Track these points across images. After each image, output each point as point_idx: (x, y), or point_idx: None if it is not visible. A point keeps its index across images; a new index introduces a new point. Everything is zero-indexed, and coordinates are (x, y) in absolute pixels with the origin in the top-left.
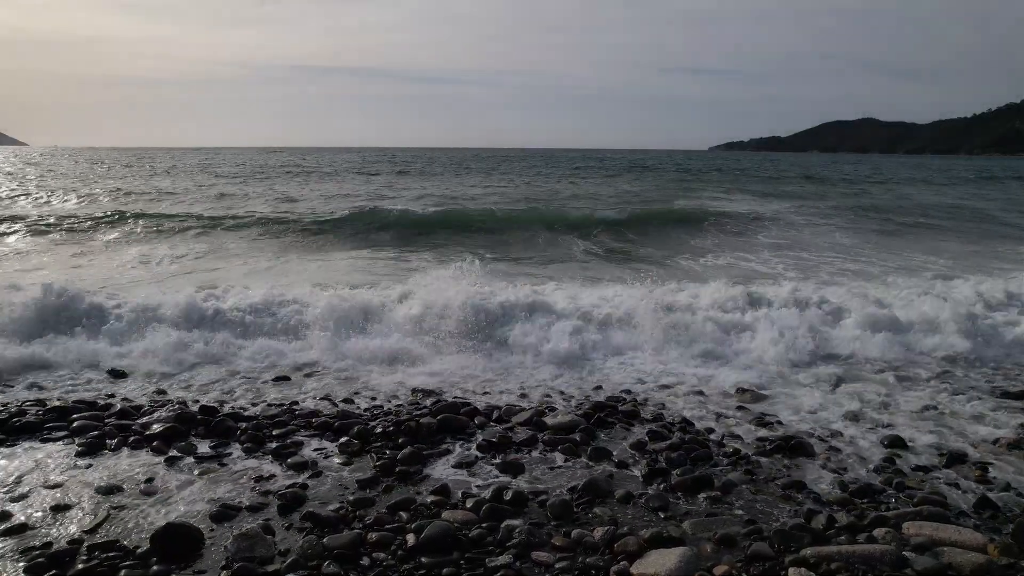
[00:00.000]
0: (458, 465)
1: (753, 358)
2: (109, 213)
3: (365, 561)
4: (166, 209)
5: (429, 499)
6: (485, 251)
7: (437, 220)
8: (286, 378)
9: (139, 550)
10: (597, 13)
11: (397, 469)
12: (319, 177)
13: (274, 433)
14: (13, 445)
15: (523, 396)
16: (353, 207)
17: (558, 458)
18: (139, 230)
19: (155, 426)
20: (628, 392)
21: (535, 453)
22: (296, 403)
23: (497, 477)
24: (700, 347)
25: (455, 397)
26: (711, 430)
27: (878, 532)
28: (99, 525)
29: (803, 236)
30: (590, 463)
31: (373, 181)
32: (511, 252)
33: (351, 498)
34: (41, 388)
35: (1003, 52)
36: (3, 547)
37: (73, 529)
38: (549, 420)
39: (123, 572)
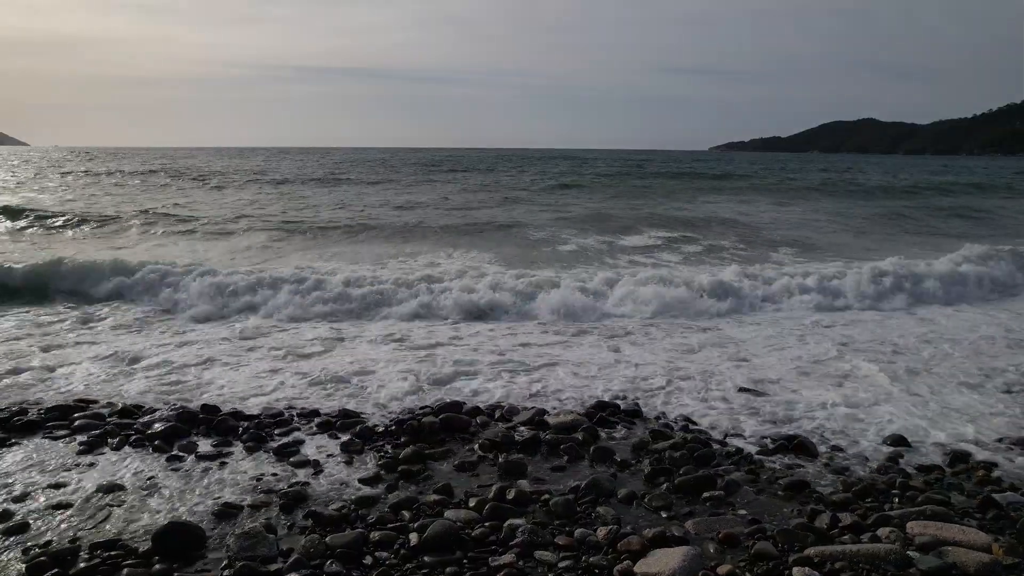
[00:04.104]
0: (460, 464)
1: None
2: None
3: (368, 560)
4: None
5: (432, 498)
6: None
7: None
8: None
9: (141, 549)
10: (597, 13)
11: (399, 468)
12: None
13: (276, 432)
14: (15, 444)
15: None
16: None
17: (560, 457)
18: None
19: (156, 425)
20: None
21: (537, 453)
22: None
23: (500, 476)
24: None
25: None
26: (713, 428)
27: (882, 532)
28: (101, 524)
29: None
30: (592, 463)
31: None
32: None
33: (353, 497)
34: None
35: (1003, 52)
36: (5, 546)
37: (74, 528)
38: (551, 419)
39: (125, 571)
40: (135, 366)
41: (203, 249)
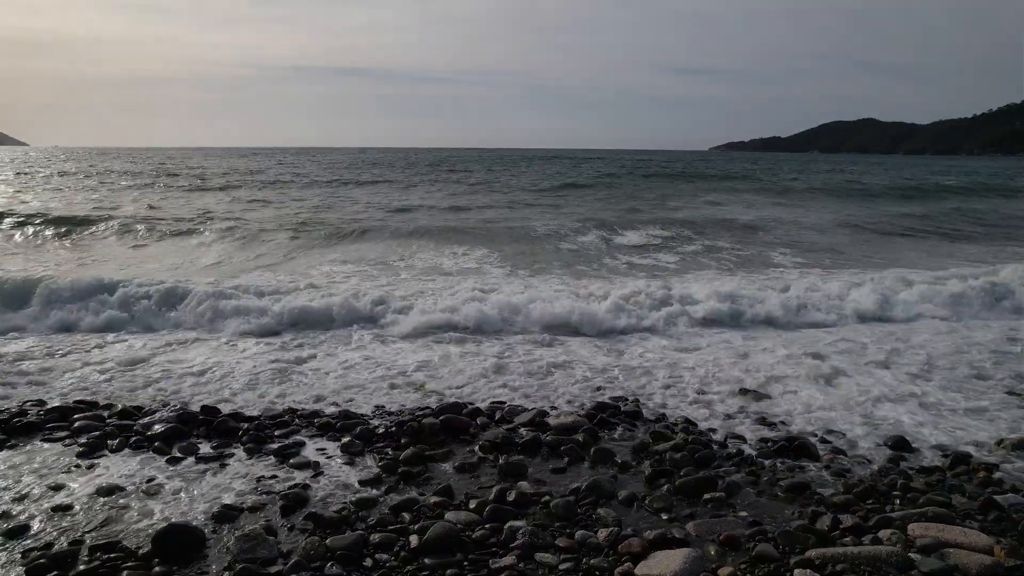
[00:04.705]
0: (461, 466)
1: None
2: None
3: (368, 562)
4: None
5: (432, 500)
6: None
7: None
8: None
9: (141, 551)
10: (596, 13)
11: (400, 470)
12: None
13: (276, 434)
14: (15, 446)
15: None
16: None
17: (561, 459)
18: None
19: (157, 426)
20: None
21: (538, 454)
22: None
23: (500, 478)
24: None
25: None
26: (714, 430)
27: (883, 533)
28: (100, 526)
29: None
30: (593, 464)
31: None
32: None
33: (353, 499)
34: None
35: (1003, 52)
36: (4, 548)
37: (74, 530)
38: (551, 421)
39: (125, 573)
40: (134, 367)
41: (205, 250)
